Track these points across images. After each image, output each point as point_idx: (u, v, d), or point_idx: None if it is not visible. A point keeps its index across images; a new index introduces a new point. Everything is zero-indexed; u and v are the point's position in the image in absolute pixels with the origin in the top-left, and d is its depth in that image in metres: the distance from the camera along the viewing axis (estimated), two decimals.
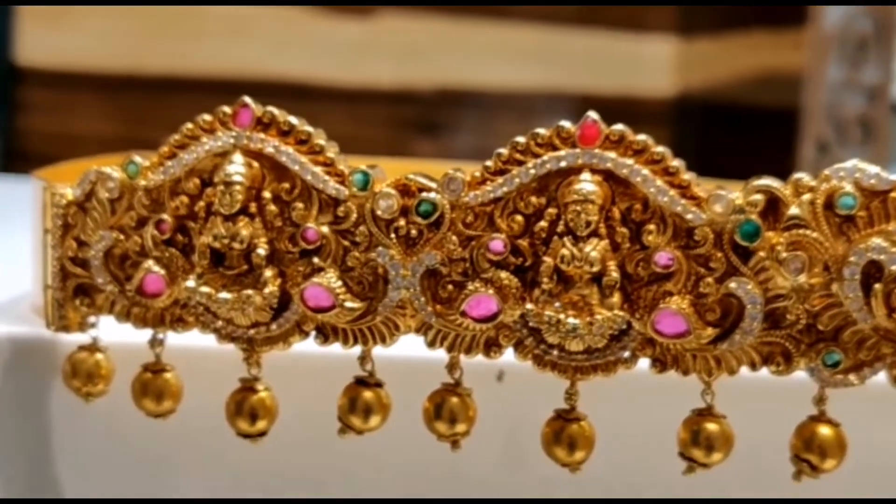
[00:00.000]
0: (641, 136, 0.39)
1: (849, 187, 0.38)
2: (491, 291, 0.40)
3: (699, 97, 1.49)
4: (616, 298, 0.39)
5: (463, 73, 1.64)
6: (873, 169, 0.39)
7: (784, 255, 0.38)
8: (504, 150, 0.40)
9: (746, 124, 1.39)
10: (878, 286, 0.38)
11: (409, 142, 1.76)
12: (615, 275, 0.39)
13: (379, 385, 0.41)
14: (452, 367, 0.41)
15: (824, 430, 0.40)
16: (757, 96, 1.43)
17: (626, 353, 0.40)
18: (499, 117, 1.66)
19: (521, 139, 0.40)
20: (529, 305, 0.39)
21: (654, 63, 1.56)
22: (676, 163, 0.39)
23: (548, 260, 0.39)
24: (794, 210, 0.39)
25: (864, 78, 1.33)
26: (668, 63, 1.54)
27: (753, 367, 0.40)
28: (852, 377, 0.39)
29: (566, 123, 0.40)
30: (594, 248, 0.39)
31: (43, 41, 1.57)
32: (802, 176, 0.39)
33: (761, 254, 0.39)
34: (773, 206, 0.39)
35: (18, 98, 1.52)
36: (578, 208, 0.39)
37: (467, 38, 1.57)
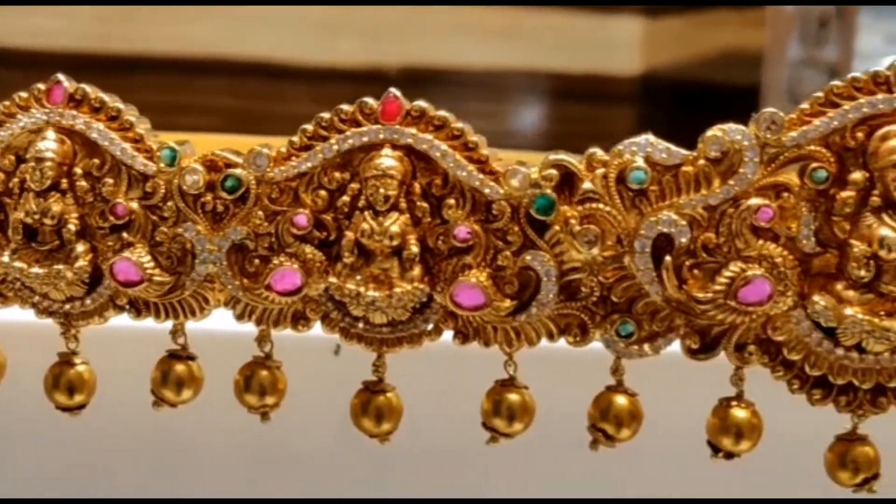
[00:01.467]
0: (441, 112, 0.40)
1: (640, 162, 0.39)
2: (295, 266, 0.40)
3: (665, 75, 1.49)
4: (416, 272, 0.40)
5: (430, 53, 1.64)
6: (664, 144, 0.39)
7: (577, 228, 0.39)
8: (309, 126, 0.40)
9: (711, 102, 1.39)
10: (668, 258, 0.39)
11: None
12: (415, 248, 0.40)
13: (191, 358, 0.42)
14: (262, 339, 0.42)
15: (620, 400, 0.41)
16: (721, 74, 1.43)
17: (430, 326, 0.41)
18: (466, 96, 1.66)
19: (325, 115, 0.40)
20: (332, 279, 0.40)
21: (620, 42, 1.56)
22: (475, 138, 0.40)
23: (349, 234, 0.40)
24: (587, 184, 0.39)
25: (825, 56, 1.32)
26: (635, 42, 1.54)
27: (551, 337, 0.40)
28: (647, 347, 0.40)
29: (369, 99, 0.40)
30: (394, 223, 0.40)
31: (6, 22, 1.58)
32: (596, 151, 0.39)
33: (556, 227, 0.39)
34: (568, 181, 0.39)
35: None
36: (377, 183, 0.39)
37: (434, 18, 1.57)
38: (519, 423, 0.41)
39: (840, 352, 0.40)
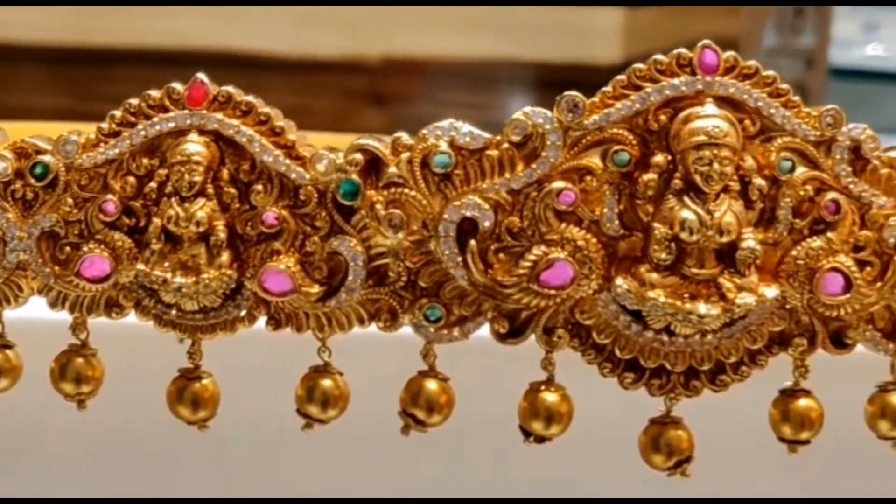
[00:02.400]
0: (248, 97, 0.40)
1: (444, 146, 0.39)
2: (105, 253, 0.40)
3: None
4: (225, 258, 0.40)
5: (410, 44, 1.64)
6: (467, 127, 0.39)
7: (383, 212, 0.39)
8: (118, 112, 0.40)
9: None
10: (472, 243, 0.39)
11: (357, 112, 1.75)
12: (222, 235, 0.40)
13: (8, 346, 0.42)
14: (77, 327, 0.42)
15: (431, 385, 0.41)
16: None
17: (243, 312, 0.41)
18: (448, 87, 1.66)
19: (133, 101, 0.40)
20: (140, 266, 0.40)
21: (601, 32, 1.56)
22: (283, 123, 0.40)
23: (156, 220, 0.40)
24: (392, 169, 0.39)
25: (801, 43, 1.32)
26: (616, 32, 1.54)
27: (362, 322, 0.40)
28: (456, 332, 0.40)
29: (176, 85, 0.40)
30: (200, 208, 0.39)
31: None
32: (402, 135, 0.39)
33: (362, 212, 0.39)
34: (374, 166, 0.39)
35: None
36: (182, 169, 0.39)
37: (414, 9, 1.57)
38: (333, 410, 0.41)
39: (649, 335, 0.40)
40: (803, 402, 0.41)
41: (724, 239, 0.39)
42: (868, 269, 0.40)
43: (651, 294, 0.39)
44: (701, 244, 0.39)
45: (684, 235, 0.38)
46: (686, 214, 0.38)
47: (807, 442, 0.42)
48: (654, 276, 0.39)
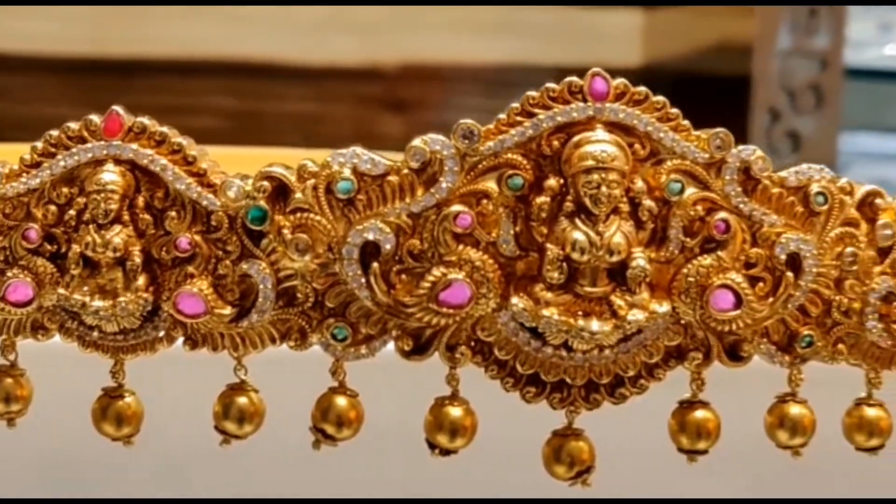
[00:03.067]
0: (162, 128, 0.42)
1: (347, 172, 0.41)
2: (28, 278, 0.42)
3: (664, 67, 1.50)
4: (141, 282, 0.42)
5: (427, 49, 1.65)
6: (368, 155, 0.41)
7: (289, 237, 0.41)
8: (39, 144, 0.42)
9: (708, 92, 1.41)
10: (375, 265, 0.41)
11: (375, 119, 1.76)
12: (137, 259, 0.41)
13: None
14: (5, 349, 0.44)
15: (341, 401, 0.42)
16: (717, 65, 1.44)
17: (161, 333, 0.43)
18: (465, 92, 1.67)
19: (53, 132, 0.42)
20: (61, 290, 0.42)
21: (620, 35, 1.57)
22: (195, 151, 0.42)
23: (75, 247, 0.42)
24: (298, 195, 0.41)
25: (815, 44, 1.33)
26: (634, 34, 1.55)
27: (274, 342, 0.42)
28: (363, 349, 0.42)
29: (94, 117, 0.42)
30: (116, 235, 0.41)
31: (3, 26, 1.59)
32: (307, 163, 0.41)
33: (271, 236, 0.41)
34: (282, 192, 0.41)
35: None
36: (99, 197, 0.41)
37: (431, 14, 1.58)
38: (249, 426, 0.42)
39: (549, 350, 0.41)
40: (700, 414, 0.43)
41: (615, 258, 0.40)
42: (760, 284, 0.42)
43: (545, 312, 0.40)
44: (592, 264, 0.40)
45: (575, 256, 0.40)
46: (577, 235, 0.40)
47: (704, 452, 0.43)
48: (549, 294, 0.40)
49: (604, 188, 0.40)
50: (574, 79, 0.41)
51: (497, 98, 1.61)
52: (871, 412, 0.45)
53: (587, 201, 0.40)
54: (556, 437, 0.43)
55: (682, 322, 0.42)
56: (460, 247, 0.41)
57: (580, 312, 0.41)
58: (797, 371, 0.44)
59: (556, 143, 0.41)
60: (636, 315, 0.41)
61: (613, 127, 0.41)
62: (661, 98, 0.41)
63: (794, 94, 1.34)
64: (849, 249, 0.43)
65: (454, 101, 1.64)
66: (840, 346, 0.44)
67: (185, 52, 1.53)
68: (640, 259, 0.40)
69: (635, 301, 0.41)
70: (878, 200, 0.43)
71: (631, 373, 0.42)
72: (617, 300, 0.41)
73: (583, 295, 0.41)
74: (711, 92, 1.41)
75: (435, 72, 1.62)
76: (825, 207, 0.42)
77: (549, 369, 0.42)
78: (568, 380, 0.42)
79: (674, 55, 1.52)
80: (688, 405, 0.43)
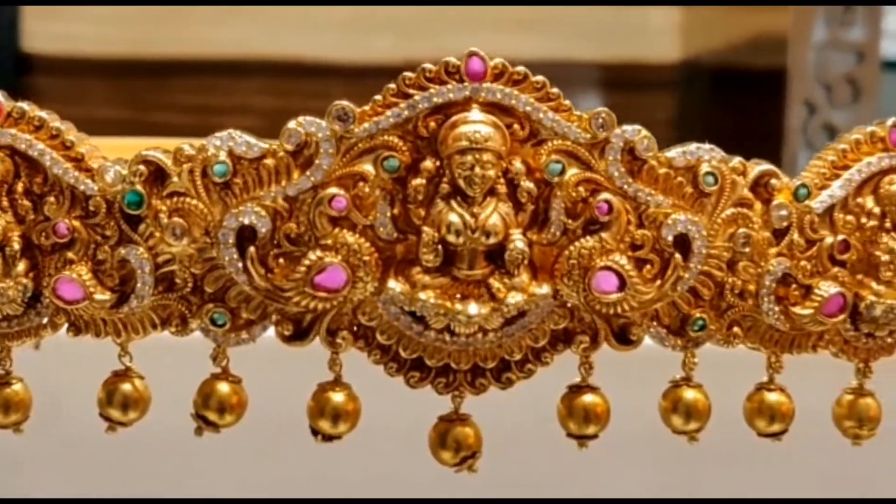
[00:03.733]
0: (41, 112, 0.42)
1: (223, 156, 0.40)
2: None
3: (703, 62, 1.49)
4: (21, 267, 0.41)
5: (465, 47, 1.64)
6: (244, 137, 0.40)
7: (166, 221, 0.40)
8: None
9: (747, 86, 1.39)
10: (251, 249, 0.40)
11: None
12: (16, 245, 0.41)
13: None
14: None
15: (223, 388, 0.42)
16: (755, 58, 1.43)
17: (45, 319, 0.42)
18: None
19: None
20: None
21: (659, 31, 1.56)
22: (73, 136, 0.41)
23: None
24: (175, 179, 0.40)
25: (851, 37, 1.32)
26: (673, 30, 1.54)
27: (156, 328, 0.42)
28: (244, 335, 0.41)
29: None
30: None
31: (47, 29, 1.60)
32: (184, 146, 0.41)
33: (148, 221, 0.41)
34: (160, 176, 0.41)
35: (25, 86, 1.56)
36: None
37: (468, 11, 1.57)
38: (134, 412, 0.42)
39: (431, 334, 0.41)
40: (588, 398, 0.42)
41: (491, 240, 0.40)
42: (648, 267, 0.41)
43: (422, 295, 0.40)
44: (468, 246, 0.40)
45: (451, 238, 0.40)
46: (452, 217, 0.39)
47: (594, 436, 0.43)
48: (425, 277, 0.40)
49: (478, 169, 0.39)
50: (451, 58, 0.40)
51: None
52: (771, 397, 0.44)
53: (461, 183, 0.39)
54: (442, 423, 0.42)
55: (569, 305, 0.41)
56: (336, 230, 0.40)
57: (458, 295, 0.40)
58: (691, 355, 0.43)
59: (432, 124, 0.40)
60: (515, 298, 0.40)
61: (492, 107, 0.40)
62: (540, 78, 0.40)
63: (831, 87, 1.33)
64: (741, 230, 0.42)
65: None
66: (735, 329, 0.43)
67: (224, 52, 1.53)
68: (519, 241, 0.40)
69: (514, 284, 0.40)
70: (773, 181, 0.43)
71: (517, 357, 0.42)
72: (495, 283, 0.40)
73: (461, 278, 0.40)
74: (748, 86, 1.40)
75: None
76: (715, 188, 0.42)
77: (433, 354, 0.41)
78: (453, 364, 0.42)
79: (711, 50, 1.51)
80: (576, 389, 0.42)
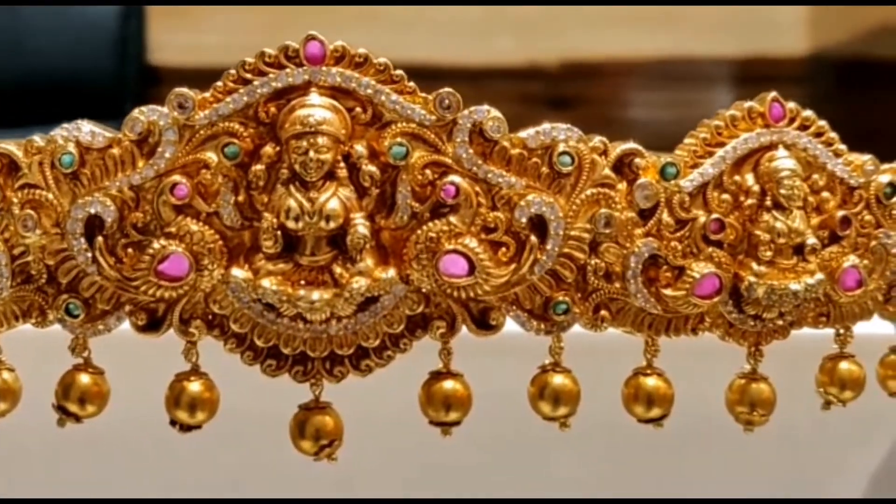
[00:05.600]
0: None
1: (70, 146, 0.40)
2: None
3: (830, 55, 1.48)
4: None
5: (588, 45, 1.63)
6: (89, 127, 0.41)
7: (17, 213, 0.41)
8: None
9: (875, 76, 1.38)
10: (99, 239, 0.40)
11: (538, 117, 1.74)
12: None
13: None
14: None
15: (84, 379, 0.42)
16: (881, 50, 1.41)
17: None
18: (628, 86, 1.66)
19: None
20: None
21: (786, 24, 1.54)
22: None
23: None
24: (25, 171, 0.41)
25: None
26: (801, 23, 1.52)
27: (17, 320, 0.42)
28: (100, 325, 0.41)
29: None
30: None
31: (173, 41, 1.63)
32: (35, 138, 0.41)
33: (3, 213, 0.41)
34: (13, 168, 0.41)
35: (154, 98, 1.60)
36: None
37: (590, 11, 1.57)
38: (3, 404, 0.42)
39: (284, 322, 0.41)
40: (448, 385, 0.42)
41: (331, 225, 0.39)
42: (503, 250, 0.40)
43: (264, 282, 0.40)
44: (309, 232, 0.39)
45: (290, 224, 0.39)
46: (290, 203, 0.39)
47: (456, 423, 0.42)
48: (268, 264, 0.40)
49: (312, 153, 0.39)
50: (290, 43, 0.40)
51: (661, 91, 1.59)
52: (649, 382, 0.43)
53: (298, 167, 0.39)
54: (301, 412, 0.42)
55: (423, 290, 0.41)
56: (180, 218, 0.40)
57: (302, 282, 0.40)
58: (557, 339, 0.42)
59: (273, 109, 0.40)
60: (359, 283, 0.39)
61: (334, 91, 0.40)
62: (383, 60, 0.40)
63: None
64: (602, 211, 0.41)
65: (617, 97, 1.63)
66: (603, 312, 0.42)
67: None
68: (361, 226, 0.39)
69: (359, 269, 0.40)
70: (637, 160, 0.41)
71: (374, 343, 0.41)
72: (338, 268, 0.40)
73: (304, 264, 0.40)
74: (876, 76, 1.38)
75: (596, 67, 1.61)
76: (572, 168, 0.41)
77: (288, 341, 0.41)
78: (309, 352, 0.41)
79: (838, 42, 1.49)
80: (436, 376, 0.42)
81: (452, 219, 0.40)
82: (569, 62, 1.63)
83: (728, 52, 1.54)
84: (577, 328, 0.42)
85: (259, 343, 0.41)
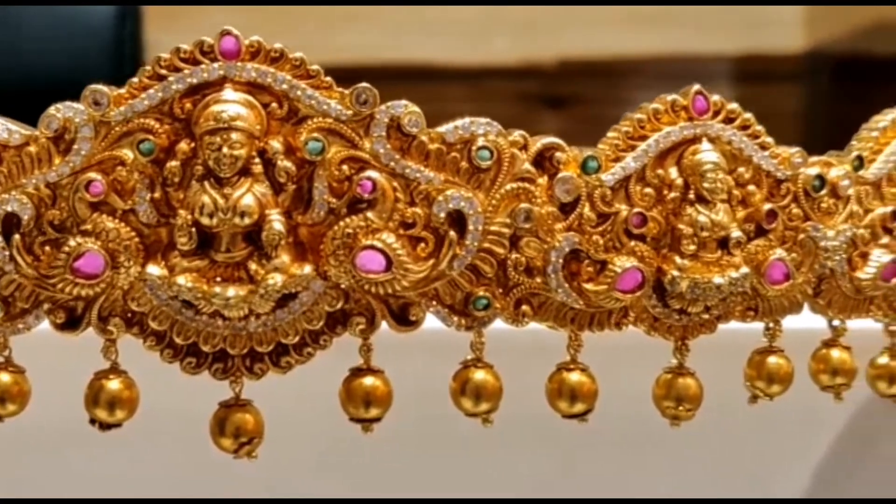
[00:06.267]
0: None
1: None
2: None
3: (827, 51, 1.48)
4: None
5: (584, 44, 1.64)
6: (6, 124, 0.40)
7: None
8: None
9: (872, 73, 1.38)
10: (16, 237, 0.40)
11: (534, 116, 1.74)
12: None
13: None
14: None
15: (4, 378, 0.42)
16: (878, 46, 1.41)
17: None
18: (625, 85, 1.66)
19: None
20: None
21: (782, 21, 1.54)
22: None
23: None
24: None
25: None
26: (797, 20, 1.52)
27: None
28: (20, 324, 0.41)
29: None
30: None
31: (170, 41, 1.63)
32: None
33: None
34: None
35: None
36: None
37: (587, 10, 1.57)
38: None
39: (203, 319, 0.40)
40: (369, 381, 0.42)
41: (246, 221, 0.39)
42: (422, 245, 0.40)
43: (180, 280, 0.39)
44: (224, 228, 0.39)
45: (204, 220, 0.39)
46: (204, 199, 0.39)
47: (376, 419, 0.42)
48: (183, 261, 0.39)
49: (226, 149, 0.39)
50: (205, 38, 0.39)
51: (659, 90, 1.59)
52: (573, 377, 0.43)
53: (211, 163, 0.39)
54: (221, 409, 0.42)
55: (342, 286, 0.40)
56: (96, 215, 0.40)
57: (217, 278, 0.40)
58: (478, 335, 0.42)
59: (188, 105, 0.40)
60: (275, 279, 0.39)
61: (250, 87, 0.40)
62: (299, 55, 0.40)
63: None
64: (522, 206, 0.41)
65: (614, 96, 1.63)
66: (524, 307, 0.42)
67: (344, 58, 1.54)
68: (276, 222, 0.39)
69: (275, 265, 0.39)
70: (557, 154, 0.41)
71: (294, 340, 0.41)
72: (253, 265, 0.39)
73: (219, 261, 0.39)
74: (873, 72, 1.38)
75: (594, 66, 1.61)
76: (491, 162, 0.40)
77: (207, 339, 0.41)
78: (229, 349, 0.41)
79: (835, 39, 1.49)
80: (356, 373, 0.42)
81: (369, 214, 0.40)
82: (566, 61, 1.63)
83: (725, 50, 1.54)
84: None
85: (178, 341, 0.41)
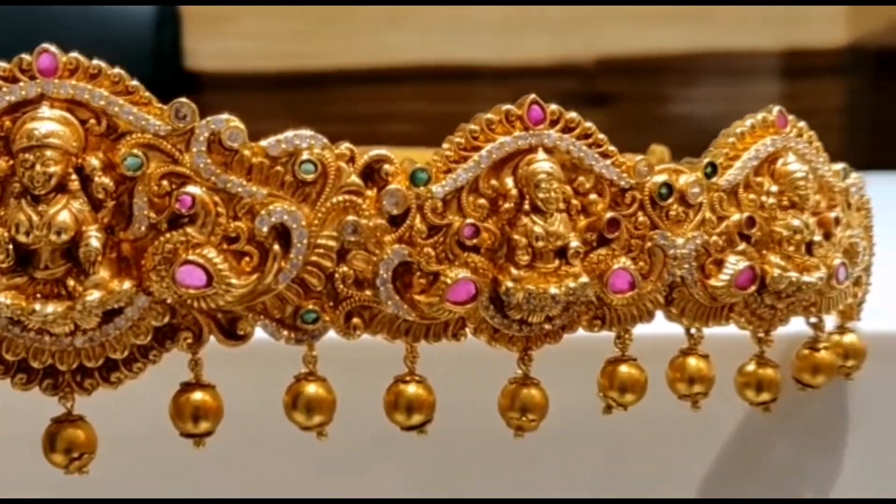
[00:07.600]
0: None
1: None
2: None
3: (868, 46, 1.47)
4: None
5: (622, 42, 1.63)
6: None
7: None
8: None
9: None
10: None
11: (580, 114, 1.73)
12: None
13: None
14: None
15: None
16: None
17: None
18: (666, 82, 1.66)
19: None
20: None
21: (823, 17, 1.54)
22: None
23: None
24: None
25: None
26: (838, 13, 1.52)
27: None
28: None
29: None
30: None
31: (209, 46, 1.64)
32: None
33: None
34: None
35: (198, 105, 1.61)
36: None
37: (623, 8, 1.57)
38: None
39: (31, 335, 0.40)
40: (198, 396, 0.42)
41: (63, 238, 0.39)
42: (247, 259, 0.40)
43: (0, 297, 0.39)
44: (40, 245, 0.39)
45: (21, 238, 0.39)
46: (19, 216, 0.39)
47: (207, 434, 0.42)
48: (3, 279, 0.40)
49: (39, 167, 0.39)
50: (24, 56, 0.39)
51: (700, 87, 1.59)
52: (409, 389, 0.43)
53: (25, 180, 0.39)
54: (53, 424, 0.42)
55: (168, 302, 0.40)
56: None
57: (38, 295, 0.40)
58: (310, 348, 0.42)
59: (8, 123, 0.40)
60: (94, 295, 0.39)
61: (69, 104, 0.40)
62: (117, 70, 0.40)
63: None
64: (349, 218, 0.41)
65: (656, 93, 1.63)
66: (355, 320, 0.42)
67: (380, 60, 1.55)
68: (93, 238, 0.39)
69: (94, 281, 0.39)
70: (386, 167, 0.41)
71: (122, 355, 0.41)
72: (71, 281, 0.39)
73: (38, 278, 0.40)
74: None
75: (632, 64, 1.61)
76: (316, 175, 0.40)
77: (35, 355, 0.41)
78: (58, 365, 0.41)
79: (876, 33, 1.48)
80: (185, 388, 0.42)
81: (189, 230, 0.40)
82: (605, 59, 1.62)
83: (766, 45, 1.53)
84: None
85: (8, 357, 0.41)
